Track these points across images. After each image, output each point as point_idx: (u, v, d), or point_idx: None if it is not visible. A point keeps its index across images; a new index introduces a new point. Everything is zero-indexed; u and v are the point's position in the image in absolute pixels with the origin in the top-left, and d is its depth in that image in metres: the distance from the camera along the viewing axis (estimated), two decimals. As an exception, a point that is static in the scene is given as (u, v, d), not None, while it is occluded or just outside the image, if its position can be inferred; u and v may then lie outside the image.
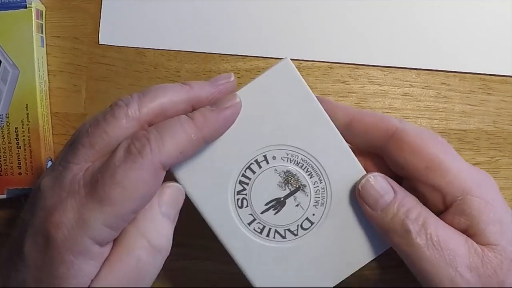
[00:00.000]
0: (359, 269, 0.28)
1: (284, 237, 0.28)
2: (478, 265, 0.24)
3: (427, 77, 0.37)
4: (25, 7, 0.35)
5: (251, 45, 0.37)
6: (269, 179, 0.28)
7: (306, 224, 0.28)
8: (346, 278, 0.28)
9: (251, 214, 0.28)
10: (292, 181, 0.28)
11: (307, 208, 0.28)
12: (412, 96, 0.37)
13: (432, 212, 0.27)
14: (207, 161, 0.27)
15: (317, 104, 0.28)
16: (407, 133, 0.27)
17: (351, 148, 0.28)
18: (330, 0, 0.37)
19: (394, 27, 0.37)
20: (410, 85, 0.37)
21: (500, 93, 0.37)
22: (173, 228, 0.27)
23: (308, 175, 0.28)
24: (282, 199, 0.28)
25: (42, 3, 0.37)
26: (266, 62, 0.37)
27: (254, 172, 0.28)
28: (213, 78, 0.28)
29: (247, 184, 0.28)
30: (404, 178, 0.28)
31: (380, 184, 0.26)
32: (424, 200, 0.27)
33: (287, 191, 0.28)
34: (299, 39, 0.37)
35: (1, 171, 0.35)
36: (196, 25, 0.38)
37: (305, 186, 0.28)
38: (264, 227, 0.28)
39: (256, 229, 0.28)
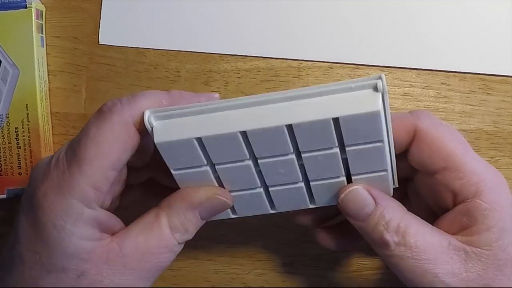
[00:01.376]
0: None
1: None
2: (460, 270, 0.24)
3: (427, 77, 0.37)
4: (25, 7, 0.35)
5: (251, 45, 0.37)
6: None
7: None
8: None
9: None
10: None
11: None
12: (412, 96, 0.37)
13: (439, 207, 0.27)
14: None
15: None
16: (425, 132, 0.27)
17: None
18: (330, 0, 0.37)
19: (394, 27, 0.37)
20: (410, 85, 0.37)
21: (500, 93, 0.37)
22: (201, 225, 0.28)
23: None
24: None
25: (42, 3, 0.37)
26: (266, 62, 0.37)
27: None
28: None
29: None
30: (419, 172, 0.28)
31: (360, 197, 0.26)
32: (435, 196, 0.27)
33: None
34: (299, 39, 0.37)
35: (1, 171, 0.35)
36: (196, 25, 0.38)
37: None
38: None
39: None
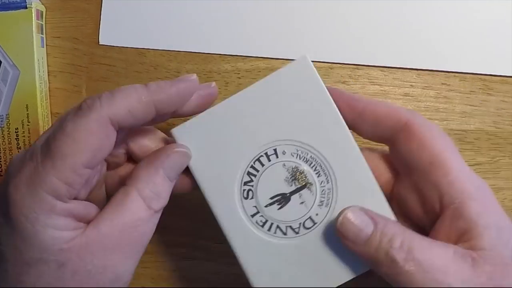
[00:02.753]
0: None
1: (285, 234, 0.28)
2: (471, 277, 0.24)
3: (428, 77, 0.37)
4: (25, 7, 0.35)
5: (251, 45, 0.37)
6: (277, 174, 0.28)
7: (309, 224, 0.28)
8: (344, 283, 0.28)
9: (255, 207, 0.28)
10: (299, 178, 0.28)
11: (312, 207, 0.28)
12: (412, 96, 0.37)
13: (426, 213, 0.27)
14: (219, 151, 0.28)
15: (332, 104, 0.28)
16: (417, 126, 0.27)
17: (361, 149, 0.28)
18: (330, 0, 0.37)
19: (394, 28, 0.37)
20: (411, 85, 0.37)
21: (500, 93, 0.37)
22: (172, 187, 0.28)
23: (316, 173, 0.28)
24: (287, 194, 0.28)
25: (42, 4, 0.37)
26: (266, 62, 0.37)
27: (263, 165, 0.28)
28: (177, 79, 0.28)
29: (255, 176, 0.28)
30: (403, 176, 0.28)
31: (358, 218, 0.26)
32: (421, 198, 0.27)
33: (293, 187, 0.28)
34: (299, 39, 0.37)
35: (1, 171, 0.35)
36: (196, 25, 0.38)
37: (311, 185, 0.28)
38: (266, 221, 0.28)
39: (258, 222, 0.28)
